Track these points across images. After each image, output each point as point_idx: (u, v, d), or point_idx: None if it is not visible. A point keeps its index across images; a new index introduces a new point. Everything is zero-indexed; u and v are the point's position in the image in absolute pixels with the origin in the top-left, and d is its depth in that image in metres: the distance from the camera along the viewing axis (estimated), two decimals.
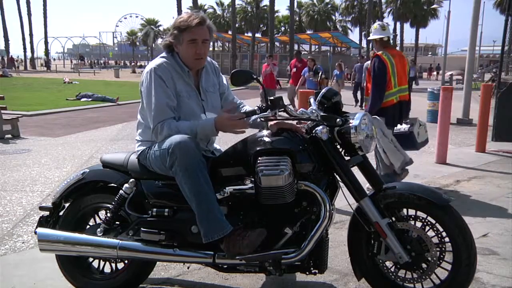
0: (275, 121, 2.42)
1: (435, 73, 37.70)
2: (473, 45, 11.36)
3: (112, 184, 2.70)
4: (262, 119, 2.44)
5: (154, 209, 2.52)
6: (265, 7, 52.47)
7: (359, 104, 14.76)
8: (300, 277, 2.91)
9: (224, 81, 2.77)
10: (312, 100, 2.55)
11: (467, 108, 11.55)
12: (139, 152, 2.57)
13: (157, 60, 2.52)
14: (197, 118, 2.50)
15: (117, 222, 2.65)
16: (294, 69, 12.28)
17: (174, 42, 2.50)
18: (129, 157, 2.65)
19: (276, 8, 46.91)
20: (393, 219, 2.40)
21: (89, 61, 70.96)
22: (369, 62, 13.18)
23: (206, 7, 62.19)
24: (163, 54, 2.57)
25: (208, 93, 2.61)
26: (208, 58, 2.68)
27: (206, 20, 2.48)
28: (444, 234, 2.33)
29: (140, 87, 2.53)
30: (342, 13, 58.01)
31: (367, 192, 2.42)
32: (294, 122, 2.56)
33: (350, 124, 2.35)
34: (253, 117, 2.51)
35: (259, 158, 2.32)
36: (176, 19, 2.52)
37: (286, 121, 2.42)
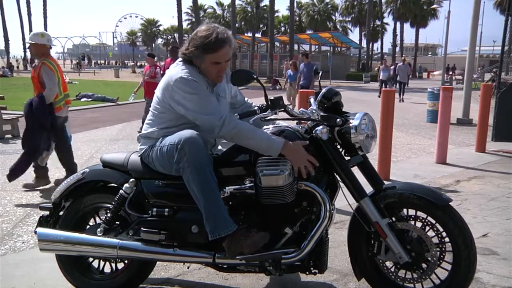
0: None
1: (451, 73, 38.25)
2: (473, 45, 11.37)
3: (112, 184, 2.70)
4: (262, 119, 2.44)
5: (154, 209, 2.52)
6: (265, 7, 52.45)
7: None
8: (300, 277, 2.91)
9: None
10: (312, 100, 2.55)
11: (467, 108, 11.56)
12: (142, 151, 2.57)
13: (183, 68, 2.42)
14: None
15: (117, 222, 2.65)
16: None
17: (195, 60, 2.42)
18: (129, 156, 2.65)
19: (276, 8, 46.90)
20: (393, 219, 2.40)
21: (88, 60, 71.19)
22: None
23: (206, 7, 62.31)
24: (181, 64, 2.46)
25: (220, 98, 2.57)
26: None
27: (229, 38, 2.39)
28: (444, 234, 2.33)
29: (167, 96, 2.41)
30: (342, 13, 57.93)
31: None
32: (294, 122, 2.57)
33: (350, 124, 2.35)
34: (253, 117, 2.50)
35: (259, 158, 2.32)
36: (197, 34, 2.39)
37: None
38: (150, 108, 2.59)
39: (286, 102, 2.46)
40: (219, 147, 2.71)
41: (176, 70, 2.44)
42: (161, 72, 9.19)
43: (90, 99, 16.29)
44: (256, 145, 2.32)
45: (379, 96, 18.58)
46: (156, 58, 10.41)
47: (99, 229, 2.62)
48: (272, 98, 2.42)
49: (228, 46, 2.39)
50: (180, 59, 2.50)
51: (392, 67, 21.81)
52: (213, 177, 2.33)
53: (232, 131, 2.32)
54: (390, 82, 20.08)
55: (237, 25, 46.28)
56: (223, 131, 2.33)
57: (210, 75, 2.46)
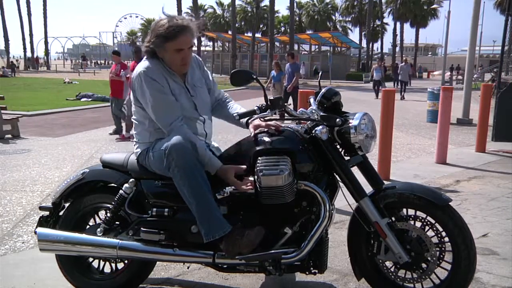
0: (254, 124, 2.43)
1: (455, 73, 38.71)
2: (473, 45, 11.37)
3: (112, 184, 2.70)
4: (262, 119, 2.44)
5: (154, 209, 2.52)
6: (265, 7, 52.45)
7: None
8: (300, 277, 2.91)
9: (210, 77, 2.74)
10: (312, 100, 2.55)
11: (467, 108, 11.56)
12: (138, 153, 2.57)
13: (143, 64, 2.47)
14: (189, 115, 2.50)
15: (117, 222, 2.65)
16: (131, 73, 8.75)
17: (158, 50, 2.44)
18: (129, 157, 2.65)
19: (276, 8, 46.94)
20: (393, 219, 2.40)
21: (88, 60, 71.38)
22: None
23: (206, 7, 62.25)
24: (144, 59, 2.50)
25: (196, 88, 2.58)
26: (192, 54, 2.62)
27: (189, 25, 2.40)
28: (443, 234, 2.33)
29: (135, 94, 2.49)
30: (342, 13, 57.91)
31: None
32: (294, 122, 2.57)
33: (350, 124, 2.35)
34: (253, 117, 2.50)
35: (259, 158, 2.32)
36: (157, 25, 2.40)
37: (266, 123, 2.41)
38: (133, 111, 2.59)
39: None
40: (215, 144, 2.71)
41: (139, 66, 2.49)
42: (126, 76, 8.72)
43: (90, 99, 16.31)
44: (199, 158, 2.37)
45: (376, 98, 18.84)
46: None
47: (99, 229, 2.62)
48: (272, 98, 2.42)
49: (188, 33, 2.40)
50: (145, 56, 2.52)
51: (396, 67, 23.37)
52: (203, 179, 2.32)
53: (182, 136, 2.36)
54: (383, 82, 20.27)
55: (237, 25, 46.28)
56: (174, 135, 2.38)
57: (174, 65, 2.46)
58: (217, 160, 2.41)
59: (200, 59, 2.73)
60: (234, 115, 2.41)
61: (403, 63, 22.05)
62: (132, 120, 2.63)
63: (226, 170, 2.36)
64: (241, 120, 2.58)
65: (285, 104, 2.48)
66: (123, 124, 8.95)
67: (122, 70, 9.04)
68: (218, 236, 2.30)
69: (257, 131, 2.44)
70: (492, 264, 3.20)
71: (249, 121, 2.51)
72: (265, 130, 2.42)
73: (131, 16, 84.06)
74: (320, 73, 2.86)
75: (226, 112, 2.72)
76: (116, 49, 8.72)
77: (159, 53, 2.45)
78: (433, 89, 11.72)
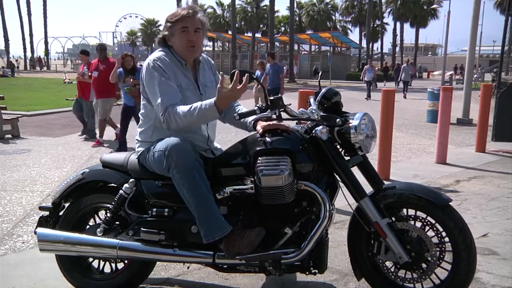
0: (262, 124, 2.43)
1: (459, 72, 39.04)
2: (473, 45, 11.37)
3: (112, 184, 2.70)
4: (262, 119, 2.44)
5: (154, 209, 2.52)
6: (265, 7, 52.47)
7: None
8: (300, 277, 2.91)
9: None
10: (312, 100, 2.55)
11: (467, 108, 11.57)
12: (139, 153, 2.57)
13: (155, 54, 2.52)
14: None
15: (117, 222, 2.65)
16: (95, 73, 8.06)
17: (168, 35, 2.50)
18: (129, 157, 2.65)
19: (276, 8, 46.90)
20: (393, 219, 2.40)
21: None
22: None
23: (206, 7, 62.24)
24: (159, 49, 2.57)
25: (206, 88, 2.60)
26: (204, 55, 2.69)
27: (197, 11, 2.50)
28: (444, 234, 2.33)
29: (143, 84, 2.51)
30: (342, 13, 57.88)
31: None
32: (294, 122, 2.57)
33: (350, 124, 2.35)
34: (253, 117, 2.50)
35: (259, 158, 2.32)
36: (169, 14, 2.55)
37: (273, 122, 2.42)
38: (141, 105, 2.59)
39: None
40: (218, 145, 2.71)
41: (150, 56, 2.53)
42: (89, 73, 8.48)
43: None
44: (201, 119, 2.36)
45: (366, 98, 18.87)
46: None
47: (99, 229, 2.62)
48: (272, 98, 2.42)
49: (194, 15, 2.47)
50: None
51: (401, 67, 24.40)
52: (203, 180, 2.32)
53: (174, 124, 2.35)
54: (374, 83, 20.33)
55: (237, 25, 46.25)
56: (165, 125, 2.38)
57: (183, 48, 2.49)
58: (209, 100, 2.33)
59: (213, 63, 2.78)
60: (234, 115, 2.41)
61: (405, 64, 22.75)
62: (139, 115, 2.62)
63: (221, 95, 2.28)
64: (248, 123, 2.58)
65: (285, 104, 2.48)
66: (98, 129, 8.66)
67: (85, 67, 8.73)
68: (217, 237, 2.30)
69: (265, 131, 2.42)
70: (492, 264, 3.20)
71: (259, 121, 2.50)
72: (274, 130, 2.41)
73: (131, 16, 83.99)
74: (320, 73, 2.86)
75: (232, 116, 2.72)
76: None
77: (169, 40, 2.51)
78: (433, 89, 11.72)
